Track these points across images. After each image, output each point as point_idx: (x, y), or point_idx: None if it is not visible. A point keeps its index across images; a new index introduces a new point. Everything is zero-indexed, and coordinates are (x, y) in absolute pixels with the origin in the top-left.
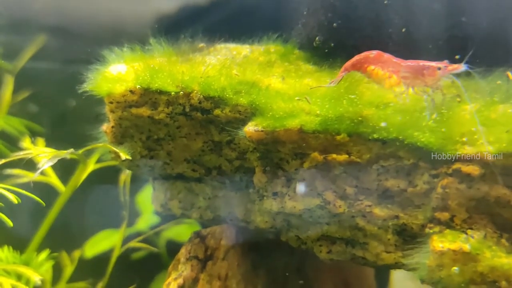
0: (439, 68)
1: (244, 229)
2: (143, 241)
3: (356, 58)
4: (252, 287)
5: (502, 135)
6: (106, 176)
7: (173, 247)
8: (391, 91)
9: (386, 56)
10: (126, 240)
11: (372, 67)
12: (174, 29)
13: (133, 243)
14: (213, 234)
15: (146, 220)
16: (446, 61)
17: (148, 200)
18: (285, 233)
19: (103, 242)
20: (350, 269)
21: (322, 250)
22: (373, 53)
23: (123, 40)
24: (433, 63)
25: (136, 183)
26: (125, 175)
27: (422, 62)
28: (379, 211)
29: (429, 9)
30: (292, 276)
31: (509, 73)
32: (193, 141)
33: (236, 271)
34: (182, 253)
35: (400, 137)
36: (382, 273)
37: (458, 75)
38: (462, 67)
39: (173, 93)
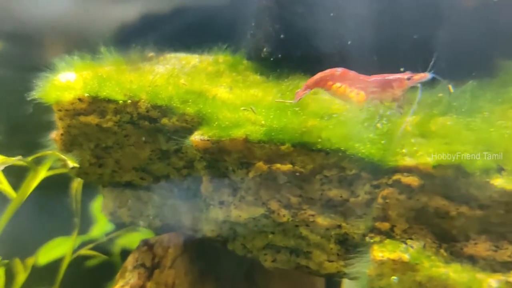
0: (408, 79)
1: (192, 237)
2: (98, 248)
3: (320, 75)
4: None
5: (441, 146)
6: (61, 183)
7: (127, 255)
8: (349, 104)
9: (352, 73)
10: (82, 247)
11: (338, 84)
12: (127, 38)
13: (84, 251)
14: (161, 242)
15: (101, 227)
16: (408, 72)
17: None
18: (232, 242)
19: (57, 249)
20: (300, 277)
21: (267, 259)
22: (339, 70)
23: (78, 48)
24: (399, 75)
25: (92, 190)
26: (77, 183)
27: (386, 76)
28: (322, 221)
29: (375, 22)
30: (240, 284)
31: (450, 86)
32: (141, 149)
33: (184, 279)
34: (130, 261)
35: (343, 148)
36: (333, 281)
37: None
38: (427, 76)
39: (121, 101)
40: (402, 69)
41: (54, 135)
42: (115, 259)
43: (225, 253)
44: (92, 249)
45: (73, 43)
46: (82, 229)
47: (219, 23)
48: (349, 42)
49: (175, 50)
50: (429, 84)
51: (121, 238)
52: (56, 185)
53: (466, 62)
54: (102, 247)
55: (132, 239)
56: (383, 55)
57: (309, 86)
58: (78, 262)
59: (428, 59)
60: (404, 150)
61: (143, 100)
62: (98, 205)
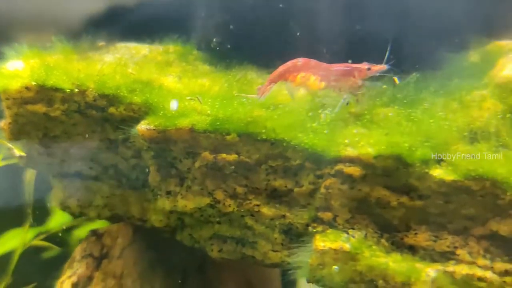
0: (369, 69)
1: (142, 227)
2: (55, 239)
3: (283, 68)
4: (149, 285)
5: (382, 137)
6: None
7: None
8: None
9: (314, 61)
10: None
11: (302, 74)
12: (80, 28)
13: (37, 241)
14: (110, 232)
15: (58, 219)
16: (365, 62)
17: None
18: (180, 232)
19: (11, 241)
20: (254, 270)
21: (214, 249)
22: (300, 60)
23: (31, 37)
24: (360, 65)
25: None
26: (30, 173)
27: (346, 66)
28: (267, 211)
29: (323, 14)
30: (192, 275)
31: (395, 78)
32: (89, 138)
33: (132, 269)
34: (78, 251)
35: (287, 138)
36: (289, 276)
37: None
38: (385, 67)
39: (68, 90)
40: (349, 61)
41: (2, 123)
42: (72, 250)
43: (176, 244)
44: (49, 240)
45: (26, 32)
46: (39, 220)
47: (172, 14)
48: (297, 34)
49: (127, 40)
50: (376, 76)
51: (78, 229)
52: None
53: (410, 54)
54: (59, 238)
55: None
56: (331, 46)
57: (273, 80)
58: (35, 253)
59: (373, 51)
60: (346, 141)
61: (90, 89)
62: None
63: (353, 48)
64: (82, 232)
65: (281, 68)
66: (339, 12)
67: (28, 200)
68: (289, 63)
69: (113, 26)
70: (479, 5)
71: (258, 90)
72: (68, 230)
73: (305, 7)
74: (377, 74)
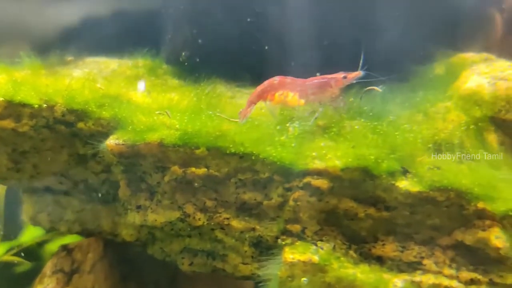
0: (344, 77)
1: (113, 242)
2: (27, 254)
3: (260, 88)
4: None
5: (349, 150)
6: None
7: None
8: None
9: (289, 78)
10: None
11: (280, 91)
12: (48, 44)
13: (7, 257)
14: (81, 247)
15: (31, 233)
16: (341, 72)
17: None
18: (151, 246)
19: None
20: (227, 282)
21: (184, 263)
22: (276, 79)
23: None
24: (335, 75)
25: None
26: (0, 188)
27: (322, 78)
28: (237, 224)
29: (291, 27)
30: None
31: (376, 88)
32: (59, 154)
33: (104, 284)
34: (48, 267)
35: (255, 152)
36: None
37: None
38: (361, 74)
39: (36, 105)
40: (318, 74)
41: None
42: (44, 264)
43: (148, 258)
44: (20, 255)
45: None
46: (11, 235)
47: (141, 27)
48: (266, 47)
49: (96, 54)
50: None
51: (51, 243)
52: None
53: (378, 66)
54: (31, 253)
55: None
56: (299, 59)
57: (252, 101)
58: (6, 268)
59: (341, 62)
60: (314, 153)
61: (59, 104)
62: None
63: (322, 59)
64: (54, 246)
65: (259, 89)
66: (307, 24)
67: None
68: (266, 83)
69: (82, 40)
70: (444, 18)
71: (239, 114)
72: (41, 244)
73: (274, 19)
74: (354, 81)
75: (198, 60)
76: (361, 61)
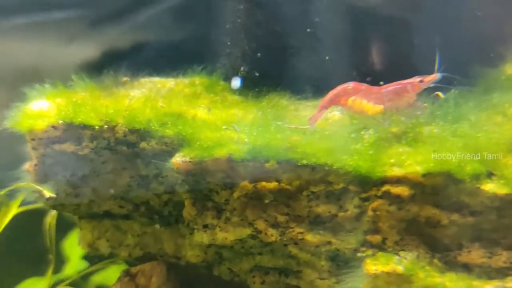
0: (421, 81)
1: (176, 265)
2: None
3: (333, 93)
4: None
5: (430, 154)
6: (31, 220)
7: None
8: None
9: (364, 86)
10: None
11: (353, 98)
12: (99, 65)
13: None
14: (143, 272)
15: (74, 265)
16: (416, 76)
17: (75, 245)
18: (217, 267)
19: None
20: None
21: (256, 282)
22: (350, 85)
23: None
24: (410, 80)
25: (62, 228)
26: (51, 217)
27: (398, 84)
28: (311, 238)
29: (351, 36)
30: None
31: (439, 93)
32: (119, 176)
33: None
34: None
35: (329, 162)
36: None
37: None
38: (438, 76)
39: (97, 127)
40: (381, 83)
41: (28, 166)
42: None
43: (211, 279)
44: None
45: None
46: (54, 269)
47: (193, 45)
48: (327, 58)
49: (149, 74)
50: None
51: (95, 275)
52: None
53: (445, 71)
54: (76, 286)
55: (106, 275)
56: (361, 69)
57: (324, 106)
58: None
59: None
60: (392, 160)
61: (120, 125)
62: (70, 243)
63: (385, 68)
64: (99, 277)
65: (331, 93)
66: (371, 31)
67: (50, 245)
68: (339, 88)
69: (133, 60)
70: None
71: (310, 120)
72: (85, 277)
73: (334, 29)
74: (431, 85)
75: (257, 74)
76: (436, 63)
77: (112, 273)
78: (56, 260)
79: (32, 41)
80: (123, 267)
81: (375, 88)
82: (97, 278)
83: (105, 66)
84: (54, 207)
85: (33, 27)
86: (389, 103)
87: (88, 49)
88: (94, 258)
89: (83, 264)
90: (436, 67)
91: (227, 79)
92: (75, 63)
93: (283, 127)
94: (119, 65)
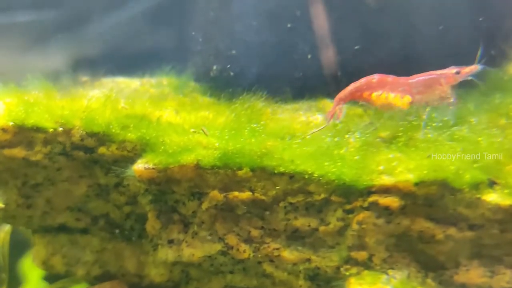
0: (457, 73)
1: (138, 284)
2: None
3: (354, 86)
4: None
5: (423, 161)
6: None
7: None
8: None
9: (391, 77)
10: None
11: (379, 92)
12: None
13: None
14: None
15: (32, 287)
16: (453, 66)
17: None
18: (184, 287)
19: None
20: None
21: None
22: (375, 77)
23: None
24: (445, 70)
25: (20, 246)
26: (4, 233)
27: (429, 74)
28: (289, 255)
29: (335, 32)
30: None
31: None
32: (76, 185)
33: None
34: None
35: (309, 170)
36: None
37: None
38: (478, 68)
39: (51, 130)
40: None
41: None
42: None
43: None
44: None
45: None
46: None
47: (162, 42)
48: (309, 56)
49: (113, 74)
50: None
51: None
52: None
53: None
54: None
55: None
56: (344, 68)
57: (342, 99)
58: None
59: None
60: (380, 167)
61: (77, 127)
62: (29, 263)
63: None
64: None
65: (352, 86)
66: (358, 28)
67: (3, 263)
68: (362, 80)
69: (95, 60)
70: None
71: (326, 115)
72: None
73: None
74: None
75: (232, 73)
76: (479, 54)
77: None
78: (11, 281)
79: None
80: (84, 286)
81: (402, 79)
82: None
83: (66, 66)
84: (4, 219)
85: None
86: (418, 96)
87: (49, 50)
88: (56, 278)
89: (42, 286)
90: (477, 58)
91: (198, 79)
92: (34, 64)
93: (258, 130)
94: (81, 65)
